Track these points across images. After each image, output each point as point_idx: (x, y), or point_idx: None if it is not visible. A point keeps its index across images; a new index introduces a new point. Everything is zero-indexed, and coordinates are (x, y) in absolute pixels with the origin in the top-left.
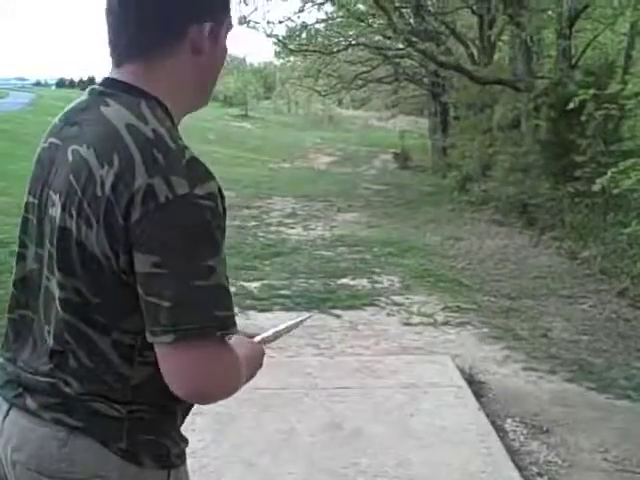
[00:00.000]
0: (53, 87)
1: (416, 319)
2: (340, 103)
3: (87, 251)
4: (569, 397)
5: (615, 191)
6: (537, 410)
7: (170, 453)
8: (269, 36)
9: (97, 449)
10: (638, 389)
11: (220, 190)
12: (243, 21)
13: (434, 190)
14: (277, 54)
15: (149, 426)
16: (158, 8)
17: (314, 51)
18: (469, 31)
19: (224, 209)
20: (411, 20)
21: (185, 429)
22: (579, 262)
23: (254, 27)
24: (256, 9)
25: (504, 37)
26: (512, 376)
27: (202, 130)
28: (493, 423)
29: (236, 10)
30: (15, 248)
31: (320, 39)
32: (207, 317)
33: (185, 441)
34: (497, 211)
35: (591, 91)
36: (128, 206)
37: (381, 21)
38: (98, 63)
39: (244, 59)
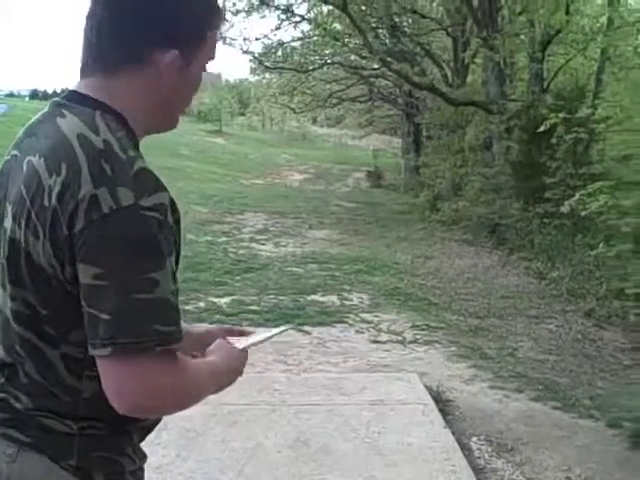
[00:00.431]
0: (27, 98)
1: (385, 337)
2: (314, 121)
3: (34, 262)
4: (534, 416)
5: (583, 213)
6: (503, 428)
7: (124, 470)
8: (245, 52)
9: (47, 465)
10: (601, 408)
11: (172, 202)
12: (219, 37)
13: (406, 209)
14: (253, 71)
15: (101, 443)
16: (126, 28)
17: (290, 69)
18: (444, 53)
19: (176, 221)
20: (387, 40)
21: (150, 443)
22: (547, 282)
23: (230, 44)
24: (232, 26)
25: (478, 59)
26: (479, 394)
27: (176, 145)
28: (459, 441)
29: None
30: None
31: (296, 57)
32: (146, 331)
33: (143, 457)
34: (468, 231)
35: (562, 115)
36: (72, 216)
37: (357, 41)
38: (72, 75)
39: (219, 75)
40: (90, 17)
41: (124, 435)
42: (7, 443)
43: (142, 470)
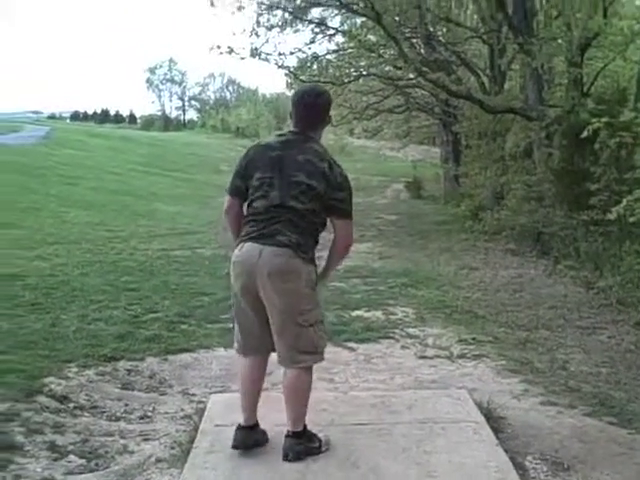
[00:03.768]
0: (68, 120)
1: (431, 352)
2: (352, 133)
3: None
4: (590, 432)
5: (631, 219)
6: (557, 446)
7: None
8: (280, 67)
9: None
10: None
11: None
12: (255, 53)
13: (447, 219)
14: (289, 85)
15: None
16: (320, 114)
17: (325, 82)
18: (479, 60)
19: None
20: (422, 50)
21: (199, 467)
22: (595, 292)
23: (266, 59)
24: (267, 41)
25: (515, 66)
26: (531, 410)
27: (216, 161)
28: (513, 460)
29: (247, 42)
30: None
31: (331, 70)
32: None
33: None
34: (511, 240)
35: (604, 119)
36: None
37: (392, 51)
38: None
39: (256, 90)
40: (307, 109)
41: None
42: None
43: None
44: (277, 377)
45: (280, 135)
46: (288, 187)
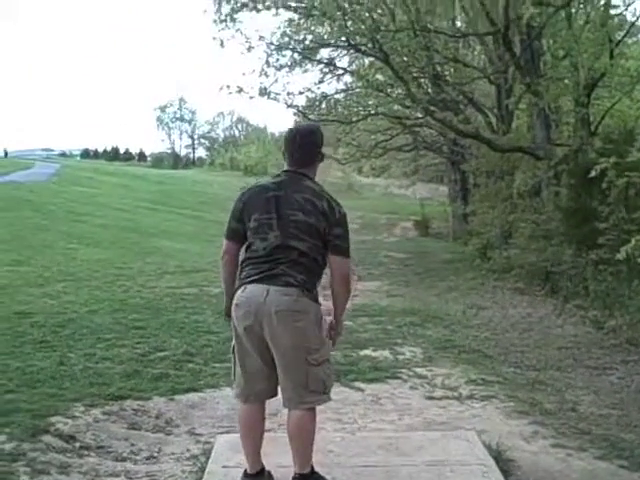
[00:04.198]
0: (78, 157)
1: (440, 392)
2: (360, 171)
3: None
4: (600, 475)
5: None
6: None
7: None
8: (289, 107)
9: None
10: None
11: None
12: (264, 92)
13: (455, 258)
14: (297, 124)
15: None
16: (313, 152)
17: (334, 120)
18: (487, 100)
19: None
20: (429, 90)
21: None
22: (605, 331)
23: (275, 98)
24: (276, 80)
25: (522, 105)
26: (541, 453)
27: (225, 200)
28: None
29: (257, 82)
30: None
31: (340, 109)
32: None
33: None
34: (520, 279)
35: (612, 159)
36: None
37: (400, 91)
38: (122, 134)
39: (265, 129)
40: (299, 146)
41: None
42: None
43: None
44: (283, 418)
45: (275, 176)
46: (287, 227)
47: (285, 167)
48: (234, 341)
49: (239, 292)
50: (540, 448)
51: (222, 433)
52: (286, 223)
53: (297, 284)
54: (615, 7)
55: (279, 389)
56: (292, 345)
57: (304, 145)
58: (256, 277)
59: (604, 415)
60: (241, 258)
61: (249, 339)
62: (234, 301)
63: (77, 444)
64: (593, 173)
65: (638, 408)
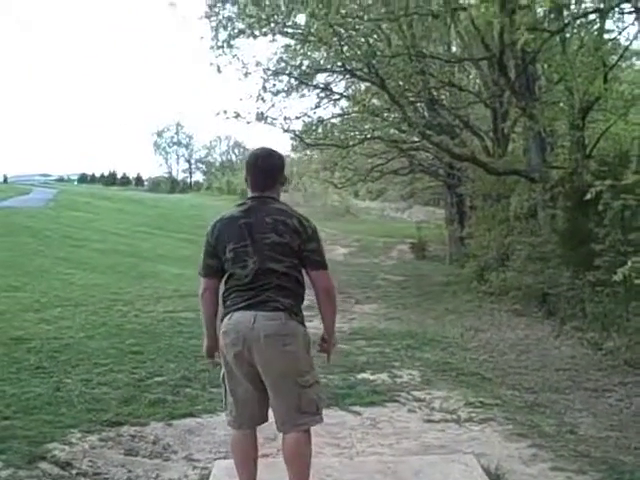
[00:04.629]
0: (75, 182)
1: (438, 415)
2: (356, 195)
3: None
4: None
5: (637, 281)
6: None
7: None
8: (286, 131)
9: None
10: None
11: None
12: (261, 117)
13: (452, 280)
14: (294, 148)
15: None
16: (275, 175)
17: (330, 145)
18: (483, 123)
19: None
20: (425, 114)
21: None
22: (603, 353)
23: (271, 123)
24: (273, 105)
25: (517, 129)
26: (540, 476)
27: None
28: None
29: (254, 107)
30: None
31: (336, 133)
32: None
33: None
34: (517, 301)
35: (607, 182)
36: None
37: (396, 115)
38: (119, 159)
39: None
40: (262, 171)
41: None
42: None
43: None
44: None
45: (241, 204)
46: (262, 250)
47: (249, 194)
48: (223, 369)
49: (226, 320)
50: (539, 471)
51: (220, 459)
52: (261, 247)
53: (284, 308)
54: (609, 32)
55: (270, 414)
56: (283, 369)
57: (267, 168)
58: (242, 304)
59: (603, 437)
60: (221, 290)
61: (239, 366)
62: (221, 329)
63: (74, 471)
64: (589, 195)
65: (637, 430)
